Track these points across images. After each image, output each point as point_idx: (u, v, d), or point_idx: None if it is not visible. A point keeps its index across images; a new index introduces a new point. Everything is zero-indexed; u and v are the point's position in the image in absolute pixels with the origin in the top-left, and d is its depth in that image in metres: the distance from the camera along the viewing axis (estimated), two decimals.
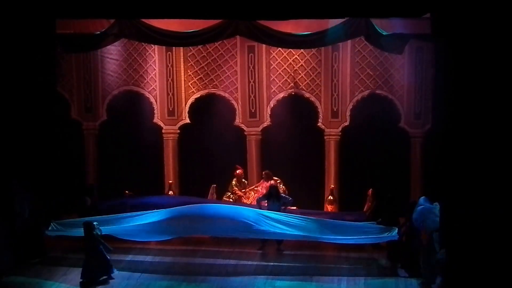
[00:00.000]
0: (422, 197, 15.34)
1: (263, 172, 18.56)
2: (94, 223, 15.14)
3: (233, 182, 18.65)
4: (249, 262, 16.33)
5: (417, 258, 15.32)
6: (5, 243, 15.51)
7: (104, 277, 14.95)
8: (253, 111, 19.26)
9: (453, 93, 13.52)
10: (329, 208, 18.62)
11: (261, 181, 18.52)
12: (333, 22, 17.08)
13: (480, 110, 13.16)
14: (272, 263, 16.21)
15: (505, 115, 12.99)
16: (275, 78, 19.06)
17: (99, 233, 15.01)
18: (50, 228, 16.27)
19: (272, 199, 17.07)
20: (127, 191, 18.20)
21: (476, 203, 13.08)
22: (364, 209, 17.50)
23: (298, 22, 16.99)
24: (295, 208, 17.80)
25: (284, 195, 17.47)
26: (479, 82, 13.14)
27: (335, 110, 18.96)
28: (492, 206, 13.00)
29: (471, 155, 13.22)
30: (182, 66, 19.22)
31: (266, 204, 17.12)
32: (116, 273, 15.12)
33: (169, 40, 18.01)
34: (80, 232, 15.30)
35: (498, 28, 12.92)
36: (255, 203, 17.59)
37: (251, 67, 19.07)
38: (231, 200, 18.45)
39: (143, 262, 16.34)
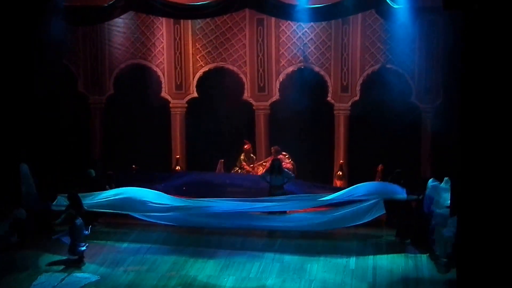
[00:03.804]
0: (430, 179, 15.26)
1: (272, 148, 18.38)
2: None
3: (242, 157, 18.55)
4: (257, 238, 16.25)
5: (426, 235, 15.23)
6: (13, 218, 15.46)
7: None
8: (261, 85, 19.11)
9: (465, 67, 13.29)
10: (338, 183, 18.49)
11: (270, 156, 18.33)
12: None
13: (493, 85, 12.93)
14: (280, 240, 16.11)
15: None
16: (284, 52, 18.89)
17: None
18: (56, 202, 16.14)
19: (275, 173, 16.92)
20: (134, 166, 18.10)
21: (487, 179, 12.93)
22: None
23: None
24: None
25: (286, 170, 17.30)
26: (492, 55, 12.90)
27: (345, 84, 18.79)
28: (503, 183, 12.84)
29: (483, 130, 13.04)
30: (190, 39, 19.07)
31: (269, 179, 17.00)
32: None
33: (177, 12, 17.77)
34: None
35: None
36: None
37: (260, 41, 18.89)
38: None
39: (150, 236, 16.30)
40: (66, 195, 15.25)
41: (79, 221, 14.62)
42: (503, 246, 12.85)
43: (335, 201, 16.15)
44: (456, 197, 13.88)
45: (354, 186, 16.32)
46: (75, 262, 14.59)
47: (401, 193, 15.81)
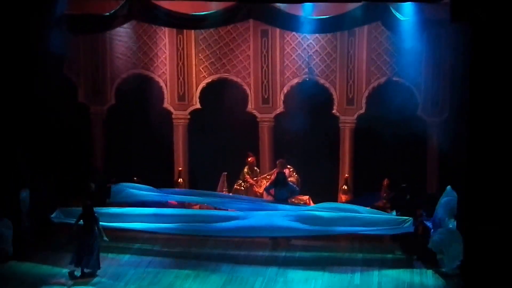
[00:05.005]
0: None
1: (277, 161, 18.15)
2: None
3: (245, 170, 18.36)
4: (260, 253, 16.14)
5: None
6: (12, 229, 15.38)
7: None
8: (266, 97, 18.93)
9: (472, 80, 13.24)
10: (343, 198, 18.32)
11: (275, 169, 18.10)
12: (350, 6, 16.62)
13: (501, 97, 12.89)
14: (283, 254, 16.02)
15: None
16: (288, 64, 18.71)
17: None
18: (55, 215, 16.00)
19: (279, 186, 16.84)
20: (135, 178, 17.92)
21: (495, 192, 12.87)
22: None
23: (314, 5, 16.68)
24: (307, 197, 17.56)
25: (291, 184, 17.21)
26: (499, 68, 12.87)
27: (350, 97, 18.61)
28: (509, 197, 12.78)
29: (490, 143, 12.98)
30: (193, 50, 18.89)
31: (273, 192, 16.93)
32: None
33: (179, 22, 17.62)
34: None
35: None
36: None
37: (264, 52, 18.72)
38: (242, 188, 18.15)
39: (152, 250, 16.21)
40: (82, 206, 14.96)
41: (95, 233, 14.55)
42: (510, 260, 12.80)
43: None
44: (463, 211, 13.79)
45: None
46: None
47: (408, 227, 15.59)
